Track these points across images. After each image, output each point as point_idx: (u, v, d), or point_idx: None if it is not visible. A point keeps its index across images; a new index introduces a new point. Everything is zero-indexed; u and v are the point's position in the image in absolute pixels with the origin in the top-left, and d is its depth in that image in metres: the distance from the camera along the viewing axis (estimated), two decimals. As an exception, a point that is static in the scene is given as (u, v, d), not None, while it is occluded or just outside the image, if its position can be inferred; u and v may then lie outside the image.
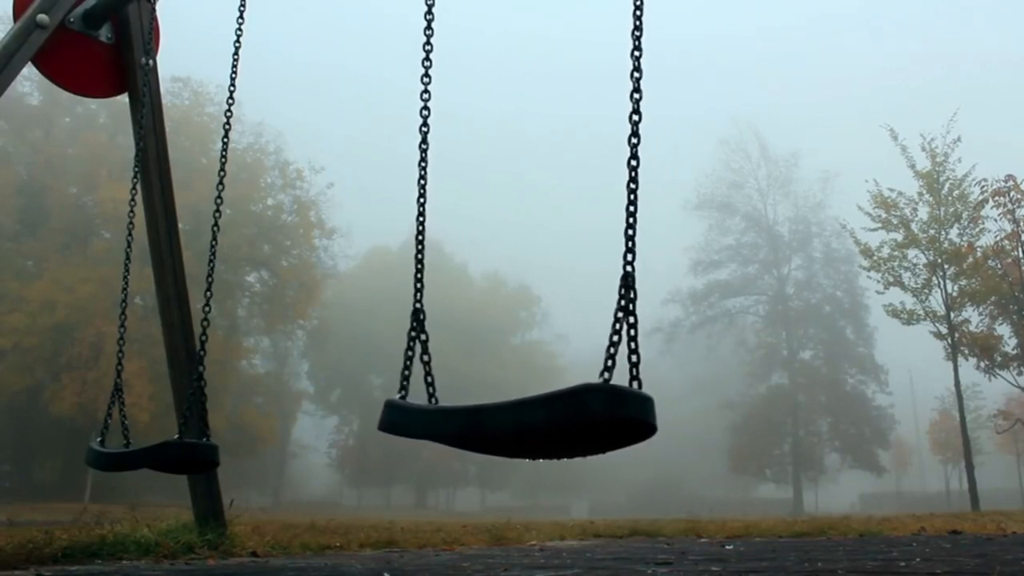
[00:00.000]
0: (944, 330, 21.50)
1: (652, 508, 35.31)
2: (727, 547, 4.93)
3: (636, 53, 2.00)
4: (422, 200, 2.45)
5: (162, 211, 4.44)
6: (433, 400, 2.13)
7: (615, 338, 1.74)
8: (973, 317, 22.06)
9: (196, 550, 3.99)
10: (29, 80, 29.46)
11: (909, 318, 22.07)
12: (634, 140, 1.94)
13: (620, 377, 1.73)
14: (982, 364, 21.90)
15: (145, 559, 3.75)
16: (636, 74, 1.98)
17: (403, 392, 2.13)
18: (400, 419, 2.03)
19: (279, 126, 45.68)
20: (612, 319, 1.75)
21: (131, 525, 4.36)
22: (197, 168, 31.78)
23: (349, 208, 48.41)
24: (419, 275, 2.34)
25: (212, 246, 3.62)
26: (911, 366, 54.71)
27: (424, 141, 2.47)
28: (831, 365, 48.47)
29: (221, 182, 3.65)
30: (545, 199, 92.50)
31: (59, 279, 30.17)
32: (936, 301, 21.82)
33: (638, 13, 2.04)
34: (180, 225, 4.60)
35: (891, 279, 22.22)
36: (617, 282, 1.81)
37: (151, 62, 4.42)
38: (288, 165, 39.23)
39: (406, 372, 2.15)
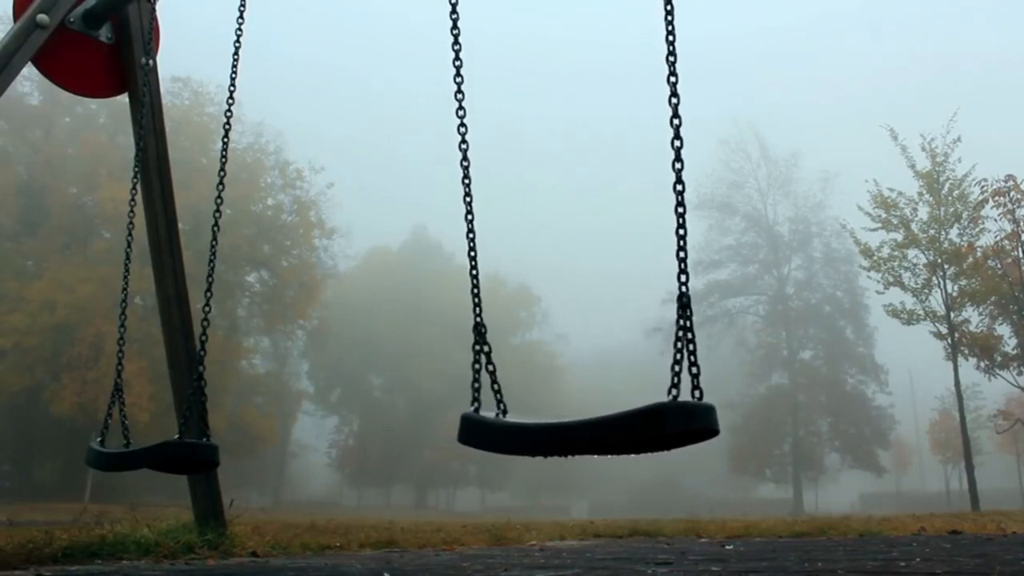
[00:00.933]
0: (944, 330, 21.50)
1: (652, 508, 35.29)
2: (727, 547, 4.93)
3: (671, 59, 2.04)
4: (470, 217, 2.48)
5: (162, 211, 4.44)
6: (501, 407, 2.20)
7: (678, 356, 1.86)
8: (973, 317, 22.09)
9: (196, 550, 3.99)
10: (29, 80, 29.47)
11: (909, 318, 22.07)
12: (678, 165, 1.99)
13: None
14: (982, 364, 21.90)
15: (145, 559, 3.75)
16: (672, 79, 2.03)
17: (476, 404, 2.22)
18: (480, 434, 2.15)
19: (279, 126, 45.71)
20: (674, 338, 1.89)
21: (131, 525, 4.36)
22: (197, 168, 31.78)
23: (349, 208, 48.43)
24: (475, 289, 2.45)
25: (212, 246, 3.61)
26: (911, 366, 54.75)
27: (465, 158, 2.49)
28: (831, 365, 48.46)
29: (221, 182, 3.65)
30: (545, 199, 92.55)
31: (59, 279, 30.17)
32: (936, 301, 21.85)
33: (670, 19, 2.05)
34: (180, 225, 4.60)
35: (891, 279, 22.22)
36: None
37: (151, 62, 4.42)
38: (288, 165, 39.26)
39: (476, 384, 2.25)
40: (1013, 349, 21.79)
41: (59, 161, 33.29)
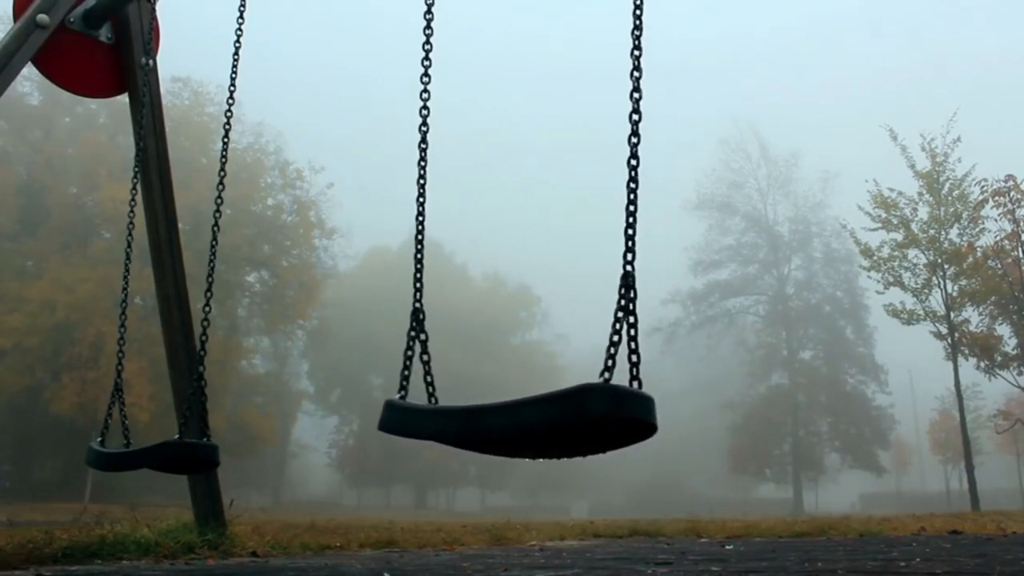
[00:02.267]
0: (944, 330, 21.50)
1: (652, 508, 35.28)
2: (727, 547, 4.93)
3: (636, 52, 2.00)
4: (421, 200, 2.46)
5: (162, 211, 4.44)
6: (433, 400, 2.13)
7: (615, 338, 1.73)
8: (973, 317, 22.09)
9: (196, 550, 3.99)
10: (29, 80, 29.46)
11: (909, 318, 22.07)
12: (634, 139, 1.93)
13: (620, 377, 1.72)
14: (982, 364, 21.90)
15: (145, 559, 3.75)
16: (636, 73, 1.98)
17: (403, 392, 2.13)
18: (400, 419, 2.03)
19: (279, 126, 45.74)
20: (612, 319, 1.74)
21: (131, 525, 4.36)
22: (197, 168, 31.77)
23: (349, 208, 48.45)
24: (418, 275, 2.34)
25: (212, 246, 3.62)
26: (911, 366, 54.75)
27: (423, 141, 2.47)
28: (831, 365, 48.47)
29: (221, 182, 3.65)
30: (545, 199, 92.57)
31: (59, 279, 30.16)
32: (936, 301, 21.84)
33: (638, 12, 2.03)
34: (180, 225, 4.60)
35: (891, 279, 22.22)
36: (617, 282, 1.81)
37: (151, 62, 4.42)
38: (288, 165, 39.25)
39: (406, 372, 2.15)
40: (1013, 349, 21.79)
41: (59, 161, 33.28)
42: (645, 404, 1.68)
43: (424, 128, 2.47)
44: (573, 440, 1.87)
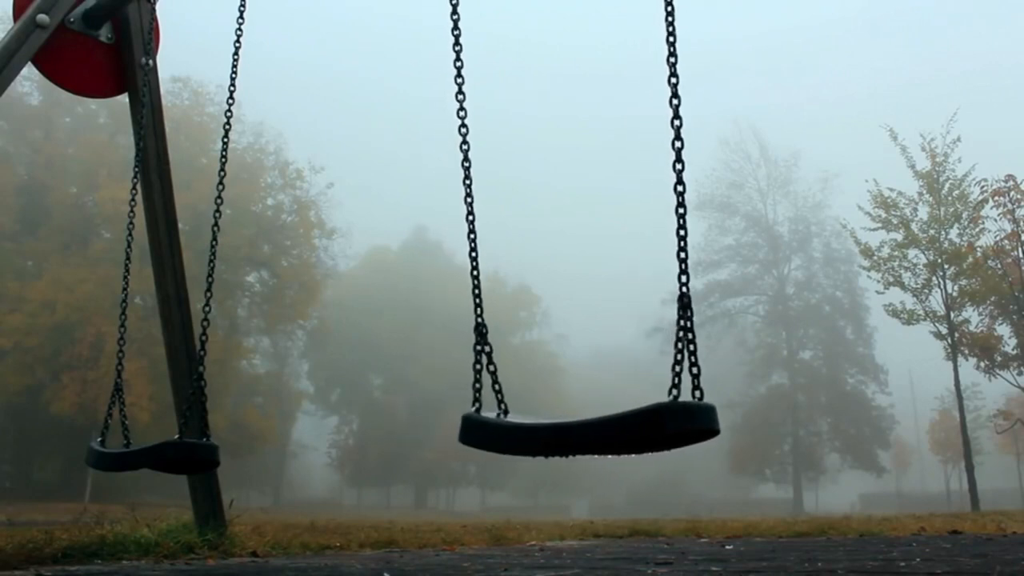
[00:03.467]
0: (944, 330, 21.49)
1: (652, 508, 35.31)
2: (727, 547, 4.93)
3: (672, 60, 2.03)
4: (471, 218, 2.48)
5: (162, 211, 4.44)
6: (502, 407, 2.20)
7: (679, 356, 1.87)
8: (973, 317, 22.09)
9: (196, 550, 3.99)
10: (29, 80, 29.47)
11: (909, 318, 22.06)
12: (679, 166, 1.99)
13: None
14: (982, 364, 21.90)
15: (145, 559, 3.75)
16: (673, 79, 2.02)
17: (477, 404, 2.22)
18: (482, 434, 2.15)
19: (279, 126, 45.79)
20: (674, 338, 1.89)
21: (131, 525, 4.36)
22: (197, 168, 31.78)
23: (349, 208, 48.47)
24: (476, 290, 2.44)
25: (212, 246, 3.61)
26: (911, 366, 54.78)
27: (466, 160, 2.49)
28: (831, 365, 48.47)
29: (221, 182, 3.65)
30: (545, 199, 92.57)
31: (59, 279, 30.16)
32: (936, 301, 21.84)
33: (670, 19, 2.04)
34: (180, 225, 4.60)
35: (891, 279, 22.21)
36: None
37: (151, 62, 4.42)
38: (288, 165, 39.25)
39: (477, 385, 2.24)
40: (1013, 349, 21.79)
41: (59, 161, 33.28)
42: (710, 414, 1.84)
43: (465, 147, 2.48)
44: (646, 449, 1.99)
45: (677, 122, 1.99)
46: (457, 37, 2.52)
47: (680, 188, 1.97)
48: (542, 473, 53.96)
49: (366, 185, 70.81)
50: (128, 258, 4.03)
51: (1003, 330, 21.98)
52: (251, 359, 42.44)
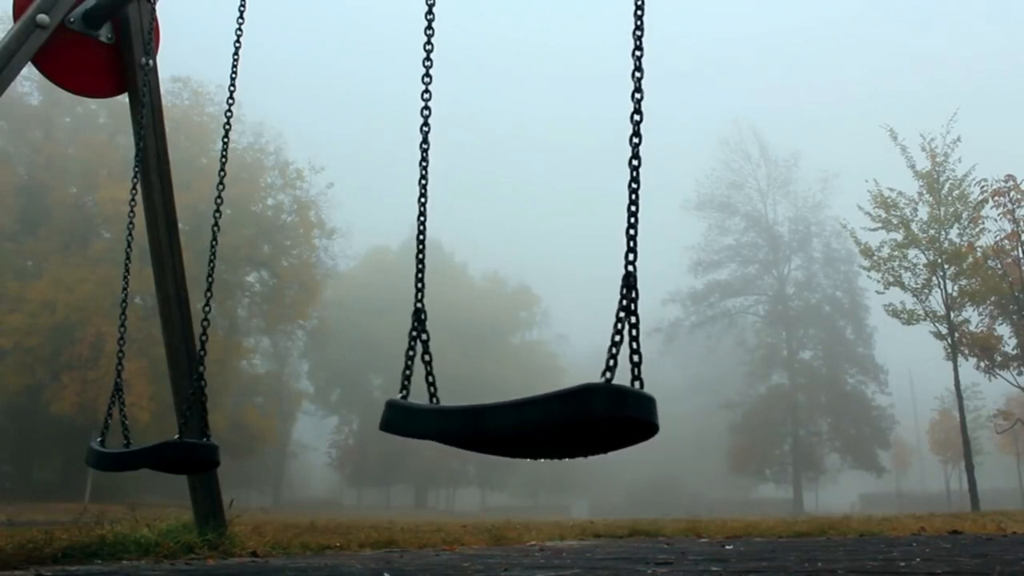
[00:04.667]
0: (944, 330, 21.49)
1: (652, 508, 35.29)
2: (727, 547, 4.93)
3: (637, 53, 2.00)
4: (423, 200, 2.46)
5: (162, 211, 4.44)
6: (434, 400, 2.13)
7: (616, 338, 1.73)
8: (973, 317, 22.09)
9: (196, 550, 3.99)
10: (29, 80, 29.46)
11: (909, 318, 22.06)
12: (635, 140, 1.93)
13: (622, 377, 1.72)
14: (982, 364, 21.90)
15: (145, 559, 3.75)
16: (637, 74, 1.98)
17: (404, 392, 2.12)
18: (401, 419, 2.03)
19: (279, 126, 45.75)
20: (614, 319, 1.75)
21: (131, 525, 4.36)
22: (197, 168, 31.77)
23: (349, 208, 48.44)
24: (420, 275, 2.34)
25: (212, 246, 3.61)
26: (911, 366, 54.76)
27: (425, 141, 2.46)
28: (831, 365, 48.48)
29: (221, 182, 3.65)
30: (545, 199, 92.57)
31: (59, 279, 30.16)
32: (936, 301, 21.84)
33: (639, 13, 2.03)
34: (180, 225, 4.60)
35: (891, 279, 22.21)
36: (617, 282, 1.81)
37: (151, 62, 4.42)
38: (288, 165, 39.24)
39: (407, 372, 2.15)
40: (1013, 349, 21.79)
41: (59, 161, 33.27)
42: (647, 404, 1.69)
43: (425, 128, 2.46)
44: (575, 440, 1.87)
45: (637, 116, 1.94)
46: (430, 37, 2.51)
47: (635, 162, 1.91)
48: (542, 473, 53.98)
49: (366, 185, 70.78)
50: (128, 258, 4.04)
51: (1003, 330, 21.99)
52: (251, 359, 42.44)
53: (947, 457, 51.21)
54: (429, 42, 2.50)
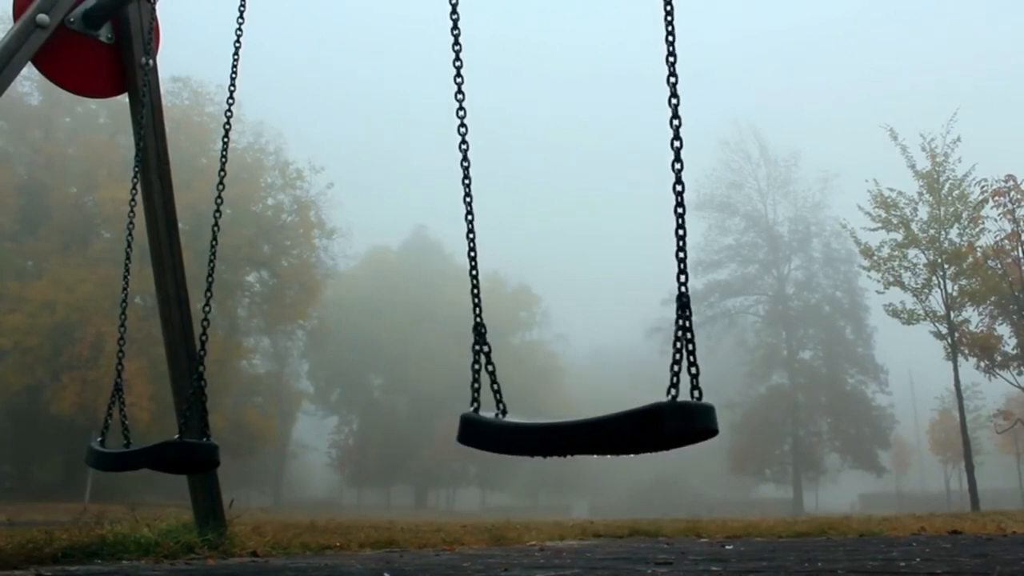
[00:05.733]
0: (944, 330, 21.48)
1: (652, 508, 35.30)
2: (727, 547, 4.93)
3: (671, 59, 2.02)
4: (470, 217, 2.47)
5: (162, 211, 4.44)
6: (500, 406, 2.19)
7: (677, 356, 1.85)
8: (973, 317, 22.07)
9: (196, 550, 3.99)
10: (29, 80, 29.47)
11: (909, 318, 22.05)
12: (678, 166, 1.97)
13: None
14: (982, 364, 21.89)
15: (145, 559, 3.75)
16: (672, 79, 2.01)
17: (475, 404, 2.22)
18: (480, 434, 2.15)
19: (279, 126, 45.76)
20: (673, 338, 1.87)
21: (131, 525, 4.36)
22: (197, 168, 31.78)
23: (349, 208, 48.42)
24: (475, 290, 2.44)
25: (212, 246, 3.61)
26: (911, 366, 54.79)
27: (465, 159, 2.48)
28: (831, 365, 48.48)
29: (221, 182, 3.65)
30: (545, 199, 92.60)
31: (59, 279, 30.16)
32: (936, 301, 21.82)
33: (670, 19, 2.04)
34: (180, 225, 4.60)
35: (891, 279, 22.20)
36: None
37: (151, 62, 4.42)
38: (288, 165, 39.25)
39: (475, 385, 2.25)
40: (1013, 349, 21.78)
41: (59, 161, 33.28)
42: (709, 414, 1.82)
43: (464, 146, 2.48)
44: (644, 449, 1.98)
45: (676, 121, 1.99)
46: (457, 37, 2.52)
47: (679, 188, 1.97)
48: (542, 473, 53.96)
49: (366, 185, 70.84)
50: (128, 258, 4.03)
51: (1003, 330, 21.97)
52: (251, 359, 42.46)
53: (947, 457, 51.21)
54: (458, 58, 2.52)
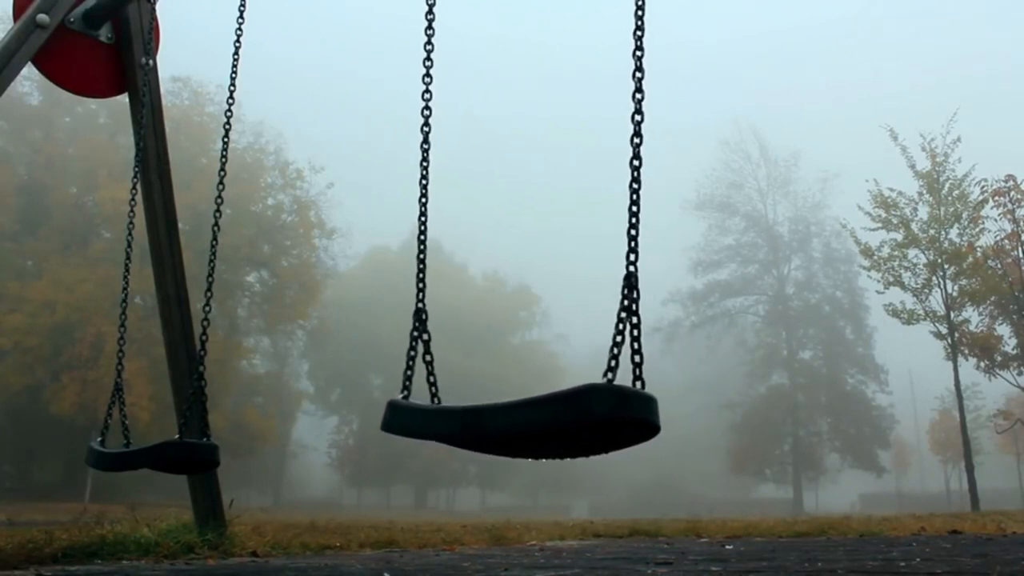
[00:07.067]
0: (944, 330, 21.49)
1: (652, 508, 35.28)
2: (727, 547, 4.93)
3: (638, 53, 1.99)
4: (424, 200, 2.45)
5: (162, 211, 4.44)
6: (435, 400, 2.11)
7: (618, 338, 1.73)
8: (973, 317, 22.08)
9: (196, 550, 3.99)
10: (29, 80, 29.46)
11: (909, 318, 22.05)
12: (636, 140, 1.92)
13: (623, 377, 1.72)
14: (982, 364, 21.89)
15: (145, 559, 3.75)
16: (638, 74, 1.98)
17: (405, 392, 2.10)
18: (402, 419, 2.02)
19: (279, 126, 45.73)
20: (615, 319, 1.74)
21: (131, 525, 4.36)
22: (197, 168, 31.77)
23: (349, 208, 48.42)
24: (421, 275, 2.33)
25: (212, 246, 3.61)
26: (911, 366, 54.78)
27: (425, 141, 2.45)
28: (831, 365, 48.48)
29: (221, 182, 3.65)
30: (545, 199, 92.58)
31: (59, 279, 30.15)
32: (936, 301, 21.83)
33: (639, 13, 2.03)
34: (180, 225, 4.60)
35: (891, 279, 22.20)
36: (618, 283, 1.80)
37: (151, 62, 4.42)
38: (288, 165, 39.24)
39: (408, 372, 2.13)
40: (1013, 349, 21.78)
41: (59, 161, 33.27)
42: (648, 404, 1.67)
43: (426, 128, 2.45)
44: (576, 440, 1.86)
45: (639, 117, 1.93)
46: (430, 37, 2.50)
47: (636, 163, 1.91)
48: (542, 473, 53.99)
49: (366, 185, 70.76)
50: (128, 258, 4.03)
51: (1003, 330, 21.98)
52: (251, 359, 42.44)
53: (947, 457, 51.21)
54: (429, 42, 2.49)
